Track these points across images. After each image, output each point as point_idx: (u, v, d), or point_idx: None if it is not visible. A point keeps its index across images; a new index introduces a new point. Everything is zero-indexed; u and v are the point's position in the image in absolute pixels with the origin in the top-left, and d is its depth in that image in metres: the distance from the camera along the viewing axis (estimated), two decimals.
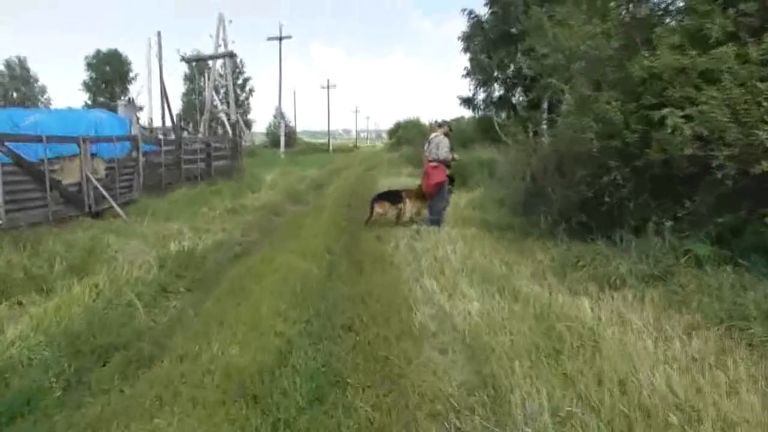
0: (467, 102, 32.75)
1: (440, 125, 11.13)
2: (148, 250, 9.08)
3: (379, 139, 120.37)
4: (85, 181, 12.26)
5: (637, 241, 7.27)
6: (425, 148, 11.16)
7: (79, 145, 12.11)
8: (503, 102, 32.05)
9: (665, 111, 6.90)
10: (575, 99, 8.34)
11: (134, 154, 14.97)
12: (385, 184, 20.94)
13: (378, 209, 11.34)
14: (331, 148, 58.89)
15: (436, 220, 10.74)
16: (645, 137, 7.79)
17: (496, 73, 30.12)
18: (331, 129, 71.19)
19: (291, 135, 55.59)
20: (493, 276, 6.90)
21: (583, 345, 4.76)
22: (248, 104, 56.28)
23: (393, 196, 11.60)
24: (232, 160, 23.02)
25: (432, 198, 10.88)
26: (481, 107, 32.80)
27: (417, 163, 26.58)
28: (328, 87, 69.59)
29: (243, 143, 45.52)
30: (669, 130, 6.84)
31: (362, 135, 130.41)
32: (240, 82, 55.03)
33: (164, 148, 16.64)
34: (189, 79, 49.87)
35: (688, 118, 6.71)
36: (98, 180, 12.78)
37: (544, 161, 10.89)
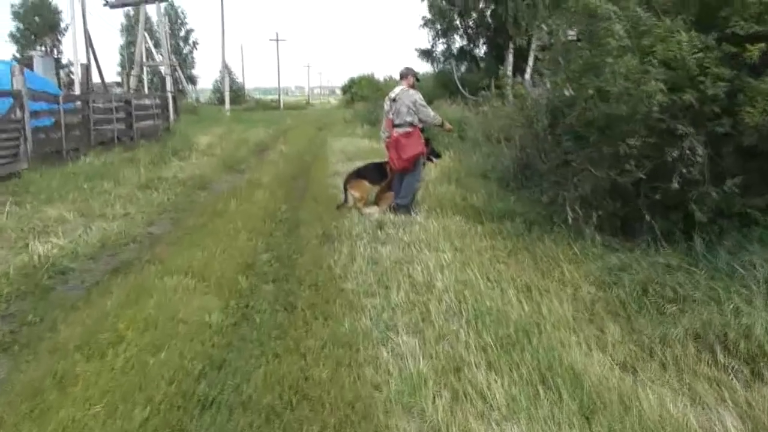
0: (426, 54, 29.51)
1: (403, 75, 8.01)
2: None
3: (332, 95, 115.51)
4: None
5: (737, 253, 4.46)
6: (387, 108, 8.06)
7: None
8: (464, 54, 28.92)
9: None
10: (624, 28, 5.27)
11: (17, 114, 11.40)
12: (338, 145, 17.75)
13: (354, 193, 8.24)
14: (282, 105, 54.77)
15: (405, 206, 7.73)
16: (732, 89, 4.92)
17: (457, 21, 26.86)
18: (283, 86, 66.74)
19: (239, 91, 51.32)
20: (514, 328, 3.95)
21: None
22: (192, 58, 51.53)
23: (374, 172, 8.46)
24: (161, 120, 19.43)
25: (402, 176, 7.85)
26: (441, 60, 29.64)
27: (372, 121, 23.42)
28: (277, 40, 64.62)
29: (187, 100, 41.42)
30: None
31: (315, 91, 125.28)
32: (182, 33, 50.09)
33: (63, 106, 13.03)
34: (127, 30, 44.98)
35: None
36: None
37: (542, 124, 7.96)
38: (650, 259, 4.91)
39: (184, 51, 49.86)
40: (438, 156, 8.55)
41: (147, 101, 18.81)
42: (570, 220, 5.91)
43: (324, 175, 12.03)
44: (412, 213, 7.59)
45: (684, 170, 4.87)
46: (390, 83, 49.29)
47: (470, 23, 27.14)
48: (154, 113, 18.71)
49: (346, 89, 55.00)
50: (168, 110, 19.74)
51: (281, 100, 56.80)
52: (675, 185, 4.90)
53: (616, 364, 3.48)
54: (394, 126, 7.72)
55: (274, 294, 4.87)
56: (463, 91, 25.67)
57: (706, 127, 5.12)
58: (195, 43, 51.93)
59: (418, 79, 8.04)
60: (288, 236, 6.96)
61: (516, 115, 9.78)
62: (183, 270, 5.32)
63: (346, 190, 8.24)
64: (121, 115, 15.98)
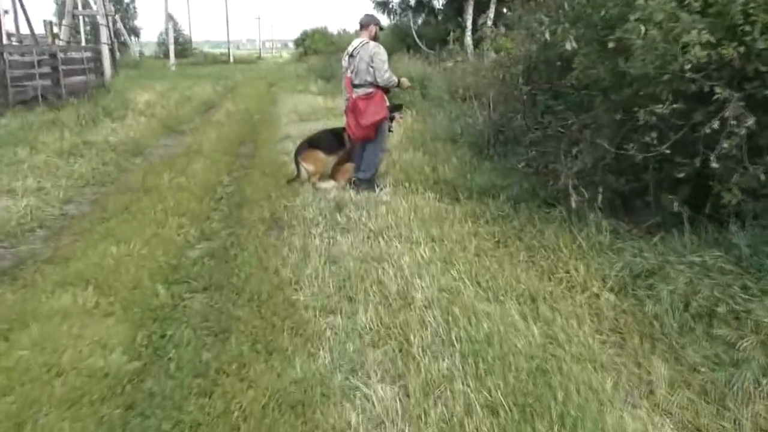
0: (382, 6, 27.81)
1: (364, 25, 6.63)
2: None
3: (285, 49, 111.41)
4: None
5: None
6: (345, 65, 6.73)
7: None
8: (421, 5, 27.35)
9: None
10: None
11: None
12: (291, 103, 16.26)
13: (307, 166, 6.92)
14: (231, 59, 51.90)
15: (368, 180, 6.54)
16: None
17: None
18: (233, 39, 63.43)
19: (185, 44, 48.36)
20: (527, 369, 2.87)
21: None
22: (134, 8, 48.02)
23: (330, 140, 7.07)
24: (95, 75, 17.50)
25: (364, 146, 6.61)
26: (398, 12, 28.00)
27: (327, 77, 21.87)
28: None
29: (130, 53, 38.55)
30: None
31: (267, 45, 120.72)
32: None
33: None
34: None
35: None
36: None
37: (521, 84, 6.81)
38: (679, 257, 3.87)
39: (126, 0, 46.43)
40: (398, 108, 7.28)
41: (77, 54, 16.81)
42: (574, 203, 4.82)
43: (274, 139, 10.66)
44: (376, 189, 6.41)
45: (725, 144, 3.80)
46: (344, 37, 47.26)
47: None
48: (85, 68, 16.75)
49: (299, 43, 52.59)
50: (102, 64, 17.76)
51: (231, 54, 53.84)
52: (714, 163, 3.84)
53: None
54: (354, 86, 6.44)
55: (202, 313, 3.66)
56: (420, 44, 24.27)
57: (745, 90, 4.06)
58: None
59: (381, 28, 6.69)
60: (227, 221, 5.71)
61: (492, 71, 8.58)
62: (85, 277, 4.05)
63: (297, 162, 6.96)
64: (46, 69, 14.09)
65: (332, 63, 25.99)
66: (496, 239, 4.83)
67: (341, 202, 5.88)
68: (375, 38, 6.47)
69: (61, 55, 14.99)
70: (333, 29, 52.22)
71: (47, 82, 14.09)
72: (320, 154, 6.85)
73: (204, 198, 6.61)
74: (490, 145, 8.27)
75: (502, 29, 7.12)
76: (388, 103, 6.47)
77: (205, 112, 16.44)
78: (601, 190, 5.07)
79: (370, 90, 6.33)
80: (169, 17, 39.93)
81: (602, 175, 5.08)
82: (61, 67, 14.62)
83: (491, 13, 23.04)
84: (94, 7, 27.30)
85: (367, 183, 6.44)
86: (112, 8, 30.02)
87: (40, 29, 22.76)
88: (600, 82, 4.86)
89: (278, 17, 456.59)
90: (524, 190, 6.05)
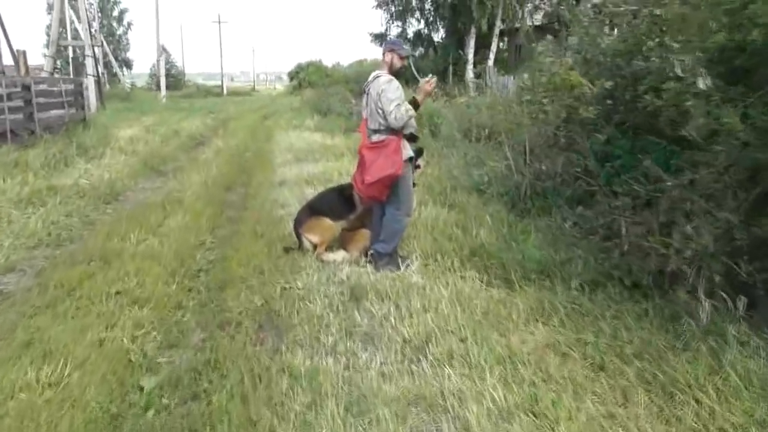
0: (379, 38, 26.70)
1: (389, 52, 4.99)
2: None
3: (278, 81, 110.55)
4: None
5: None
6: (364, 103, 5.17)
7: None
8: (421, 38, 26.21)
9: None
10: None
11: None
12: (286, 140, 14.74)
13: (311, 237, 5.34)
14: (225, 91, 50.54)
15: (388, 255, 4.95)
16: None
17: (414, 3, 24.09)
18: (226, 71, 62.13)
19: (178, 76, 47.02)
20: None
21: None
22: (126, 40, 46.60)
23: (336, 202, 5.49)
24: (75, 109, 15.96)
25: (383, 209, 5.03)
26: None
27: (323, 111, 20.43)
28: (219, 22, 59.93)
29: (121, 85, 37.06)
30: None
31: (261, 77, 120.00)
32: (115, 13, 45.23)
33: None
34: (51, 6, 40.10)
35: None
36: None
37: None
38: None
39: (118, 32, 45.01)
40: (420, 154, 5.39)
41: (55, 87, 15.26)
42: (705, 315, 3.29)
43: (268, 184, 9.11)
44: (401, 265, 4.85)
45: None
46: (339, 70, 46.08)
47: (428, 5, 24.43)
48: (64, 101, 15.20)
49: (293, 75, 51.35)
50: (82, 97, 16.23)
51: (224, 86, 52.57)
52: None
53: None
54: (370, 131, 4.92)
55: None
56: (418, 77, 22.97)
57: None
58: (129, 24, 46.75)
59: (403, 57, 4.99)
60: (204, 314, 4.12)
61: (526, 109, 7.12)
62: None
63: (298, 234, 5.43)
64: (17, 103, 12.52)
65: (328, 96, 24.70)
66: (591, 359, 3.26)
67: (358, 288, 4.29)
68: (395, 70, 4.97)
69: (36, 87, 13.44)
70: (328, 62, 51.08)
71: (18, 117, 12.51)
72: (326, 222, 5.27)
73: (177, 272, 5.03)
74: (527, 197, 6.79)
75: (568, 58, 5.63)
76: (411, 153, 4.91)
77: (193, 148, 14.93)
78: (717, 278, 3.58)
79: (384, 137, 4.81)
80: (162, 49, 38.61)
81: (720, 258, 3.56)
82: (35, 101, 13.04)
83: (494, 46, 21.87)
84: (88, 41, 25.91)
85: (388, 258, 4.86)
86: (101, 39, 28.68)
87: (33, 60, 21.33)
88: (733, 133, 3.37)
89: (272, 49, 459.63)
90: (592, 267, 4.53)
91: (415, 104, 4.92)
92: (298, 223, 5.38)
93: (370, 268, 4.83)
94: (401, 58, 4.95)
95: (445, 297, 4.09)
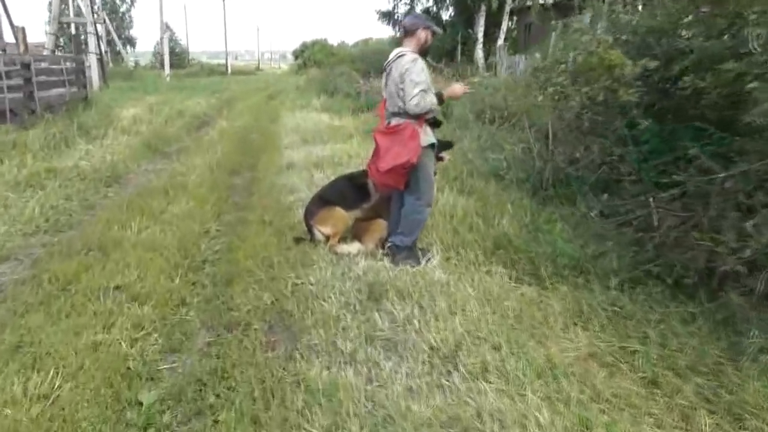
0: (387, 16, 26.14)
1: (409, 30, 4.51)
2: None
3: (283, 60, 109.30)
4: None
5: None
6: (383, 83, 4.71)
7: None
8: (429, 17, 25.55)
9: None
10: None
11: None
12: (292, 121, 14.30)
13: (323, 229, 4.93)
14: (229, 70, 49.82)
15: (408, 248, 4.56)
16: None
17: None
18: (231, 49, 61.17)
19: (182, 55, 46.34)
20: None
21: None
22: (130, 18, 45.80)
23: (349, 190, 5.05)
24: (77, 88, 15.55)
25: (402, 198, 4.62)
26: None
27: (330, 91, 19.93)
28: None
29: (124, 63, 36.48)
30: None
31: (266, 56, 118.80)
32: None
33: None
34: None
35: None
36: None
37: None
38: None
39: (121, 9, 44.23)
40: (448, 146, 5.11)
41: (56, 65, 14.83)
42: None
43: (275, 168, 8.72)
44: (422, 260, 4.48)
45: None
46: (344, 48, 45.27)
47: None
48: (66, 80, 14.78)
49: (298, 54, 50.61)
50: (84, 76, 15.79)
51: (228, 65, 51.78)
52: None
53: None
54: (389, 114, 4.52)
55: None
56: (426, 58, 22.43)
57: None
58: (133, 1, 45.84)
59: (435, 33, 4.55)
60: (209, 312, 3.77)
61: (547, 90, 6.68)
62: None
63: (309, 226, 5.04)
64: (16, 81, 12.11)
65: (335, 76, 24.16)
66: (641, 373, 2.90)
67: (376, 286, 3.93)
68: (423, 49, 4.53)
69: (36, 65, 13.02)
70: (333, 41, 50.27)
71: (17, 96, 12.11)
72: (338, 212, 4.88)
73: (180, 264, 4.68)
74: (549, 184, 6.40)
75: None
76: (433, 140, 4.50)
77: (198, 129, 14.52)
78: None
79: (401, 121, 4.39)
80: (166, 27, 37.92)
81: None
82: (35, 79, 12.63)
83: (504, 26, 21.28)
84: (90, 17, 25.36)
85: (408, 252, 4.49)
86: (104, 16, 28.10)
87: (35, 37, 20.83)
88: None
89: (277, 28, 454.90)
90: (627, 263, 4.16)
91: (439, 98, 4.49)
92: (309, 214, 4.99)
93: (387, 261, 4.46)
94: (434, 35, 4.54)
95: (472, 296, 3.73)
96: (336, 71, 26.51)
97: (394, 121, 4.41)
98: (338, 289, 3.98)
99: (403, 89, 4.30)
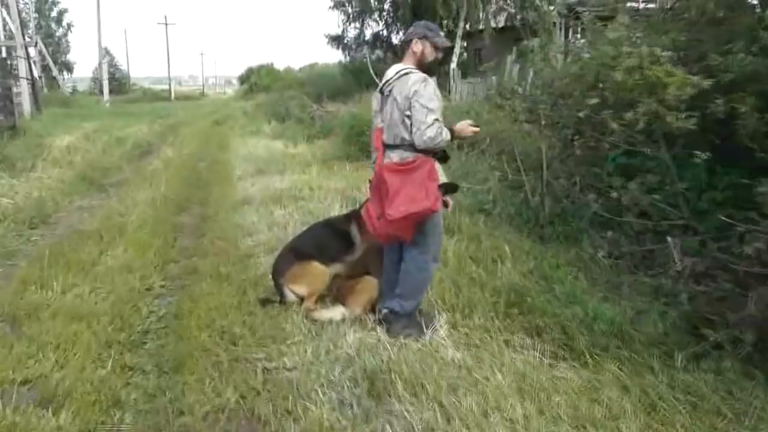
0: (336, 40, 25.27)
1: (405, 42, 3.67)
2: None
3: (228, 85, 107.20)
4: None
5: None
6: (375, 107, 3.79)
7: None
8: (379, 40, 24.91)
9: None
10: None
11: None
12: (244, 148, 13.18)
13: (297, 288, 3.90)
14: (173, 95, 47.96)
15: (408, 315, 3.58)
16: None
17: (372, 3, 22.81)
18: (174, 74, 58.98)
19: (122, 80, 44.32)
20: None
21: None
22: (66, 42, 43.40)
23: (328, 240, 4.07)
24: (2, 116, 14.01)
25: (399, 250, 3.63)
26: (353, 47, 25.47)
27: (281, 116, 18.89)
28: (166, 24, 56.91)
29: (61, 89, 34.28)
30: None
31: (210, 81, 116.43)
32: (54, 14, 42.11)
33: None
34: None
35: None
36: None
37: None
38: None
39: (57, 33, 41.87)
40: (453, 189, 3.94)
41: None
42: None
43: (229, 203, 7.64)
44: (427, 332, 3.52)
45: None
46: (291, 73, 44.17)
47: (387, 5, 23.19)
48: None
49: (244, 79, 49.28)
50: (11, 102, 14.30)
51: (172, 90, 49.88)
52: None
53: None
54: (386, 146, 3.60)
55: None
56: (378, 81, 21.74)
57: None
58: (69, 26, 43.41)
59: (438, 47, 3.58)
60: (147, 421, 2.73)
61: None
62: None
63: (279, 284, 4.02)
64: None
65: (285, 100, 23.14)
66: None
67: (376, 375, 2.95)
68: (423, 66, 3.59)
69: None
70: (279, 65, 49.19)
71: None
72: (315, 267, 3.89)
73: (114, 341, 3.60)
74: (545, 221, 5.61)
75: (453, 66, 4.41)
76: (443, 180, 3.62)
77: (140, 158, 13.25)
78: None
79: (409, 156, 3.47)
80: (105, 52, 36.06)
81: None
82: None
83: (457, 49, 20.82)
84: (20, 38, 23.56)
85: (407, 320, 3.55)
86: (38, 39, 26.26)
87: None
88: None
89: (222, 53, 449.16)
90: (671, 325, 3.36)
91: (450, 132, 3.52)
92: (278, 272, 3.98)
93: (381, 331, 3.50)
94: (436, 49, 3.59)
95: (504, 386, 2.81)
96: (286, 95, 25.55)
97: (396, 156, 3.49)
98: (325, 379, 3.00)
99: (410, 117, 3.39)
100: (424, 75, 3.46)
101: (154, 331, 3.86)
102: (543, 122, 5.93)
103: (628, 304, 3.70)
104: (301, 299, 3.85)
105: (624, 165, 5.55)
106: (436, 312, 3.75)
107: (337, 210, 6.58)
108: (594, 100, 4.53)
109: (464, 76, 20.45)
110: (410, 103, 3.39)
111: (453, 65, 20.29)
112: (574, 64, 5.33)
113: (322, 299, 3.97)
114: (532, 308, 3.70)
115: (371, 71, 22.77)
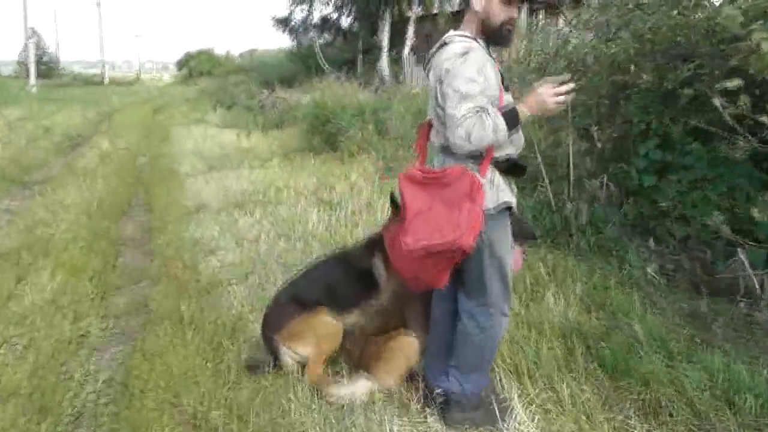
0: (282, 23, 23.68)
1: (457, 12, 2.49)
2: None
3: (165, 71, 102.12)
4: None
5: None
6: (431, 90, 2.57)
7: None
8: (328, 24, 23.51)
9: None
10: None
11: None
12: (190, 139, 11.64)
13: (298, 348, 2.66)
14: (106, 80, 44.69)
15: (474, 396, 2.41)
16: None
17: None
18: (108, 59, 55.13)
19: (51, 64, 40.95)
20: None
21: None
22: None
23: (342, 278, 2.78)
24: None
25: (438, 300, 2.50)
26: (300, 30, 23.95)
27: (228, 103, 17.31)
28: (98, 4, 52.84)
29: None
30: None
31: (147, 66, 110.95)
32: None
33: None
34: None
35: None
36: None
37: None
38: None
39: None
40: (530, 237, 2.69)
41: None
42: None
43: (181, 209, 6.27)
44: (500, 414, 2.40)
45: None
46: (231, 59, 41.90)
47: None
48: None
49: (182, 64, 46.56)
50: None
51: (105, 75, 46.48)
52: None
53: None
54: (439, 149, 2.42)
55: None
56: (324, 66, 20.40)
57: None
58: None
59: (513, 2, 2.24)
60: None
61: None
62: None
63: (273, 343, 2.77)
64: None
65: (230, 86, 21.48)
66: None
67: None
68: (491, 30, 2.30)
69: None
70: (219, 51, 46.67)
71: None
72: (322, 319, 2.67)
73: None
74: (576, 230, 4.62)
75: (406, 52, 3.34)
76: (509, 199, 2.37)
77: (70, 151, 11.54)
78: None
79: (451, 163, 2.30)
80: (32, 32, 32.99)
81: None
82: None
83: (410, 32, 19.75)
84: None
85: (468, 402, 2.42)
86: None
87: None
88: None
89: (158, 38, 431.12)
90: None
91: (513, 119, 2.21)
92: (272, 327, 2.77)
93: (433, 418, 2.39)
94: (509, 3, 2.31)
95: None
96: (230, 81, 23.88)
97: (437, 162, 2.36)
98: None
99: (442, 107, 2.26)
100: (468, 44, 2.26)
101: (90, 416, 2.63)
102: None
103: (746, 354, 2.74)
104: (305, 366, 2.68)
105: (659, 161, 4.65)
106: (498, 379, 2.66)
107: (315, 217, 5.40)
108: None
109: (417, 61, 19.43)
110: (440, 84, 2.26)
111: (406, 51, 19.28)
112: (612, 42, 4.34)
113: (332, 363, 2.80)
114: (620, 364, 2.69)
115: (319, 56, 21.44)
